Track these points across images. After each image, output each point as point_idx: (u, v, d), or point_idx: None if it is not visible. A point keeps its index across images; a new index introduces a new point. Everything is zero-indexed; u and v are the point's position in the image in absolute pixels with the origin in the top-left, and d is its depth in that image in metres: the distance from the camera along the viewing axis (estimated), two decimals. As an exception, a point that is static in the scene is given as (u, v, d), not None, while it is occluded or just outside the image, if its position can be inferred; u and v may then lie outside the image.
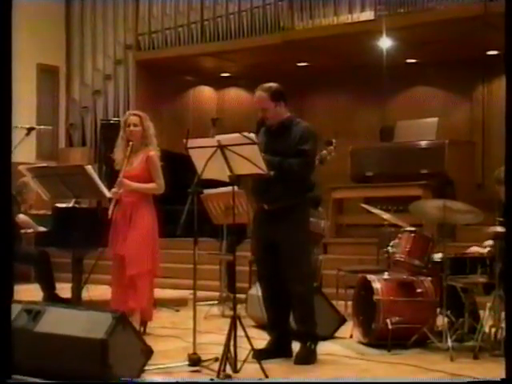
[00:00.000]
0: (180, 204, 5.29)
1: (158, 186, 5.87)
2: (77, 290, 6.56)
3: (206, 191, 5.40)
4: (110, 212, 5.76)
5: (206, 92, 13.24)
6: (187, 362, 4.92)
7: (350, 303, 6.47)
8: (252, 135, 4.73)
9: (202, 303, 7.22)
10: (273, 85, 5.20)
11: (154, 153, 5.87)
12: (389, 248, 5.97)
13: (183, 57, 11.60)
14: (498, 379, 3.86)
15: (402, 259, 5.92)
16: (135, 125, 5.86)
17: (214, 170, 4.85)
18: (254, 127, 5.26)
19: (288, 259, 5.11)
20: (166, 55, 11.73)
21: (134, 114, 5.96)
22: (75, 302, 6.45)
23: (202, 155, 4.83)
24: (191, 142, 4.87)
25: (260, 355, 4.82)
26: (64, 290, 7.35)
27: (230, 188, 4.93)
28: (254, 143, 4.68)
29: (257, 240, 5.39)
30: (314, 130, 5.23)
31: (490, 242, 5.56)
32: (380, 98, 11.80)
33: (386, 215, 6.37)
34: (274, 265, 5.18)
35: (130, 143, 5.81)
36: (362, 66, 11.20)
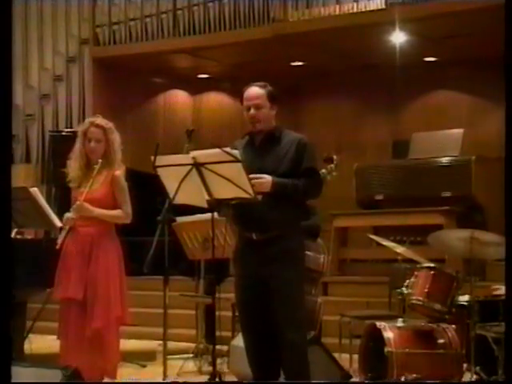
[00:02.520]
0: (147, 235, 5.29)
1: (124, 213, 5.71)
2: (18, 341, 6.52)
3: (180, 219, 5.42)
4: (59, 241, 5.64)
5: (180, 97, 13.29)
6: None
7: (355, 356, 6.46)
8: (235, 151, 4.75)
9: (174, 357, 7.19)
10: (268, 84, 5.23)
11: (120, 172, 5.75)
12: (403, 289, 5.99)
13: (152, 54, 11.65)
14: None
15: (420, 302, 5.94)
16: (98, 140, 5.71)
17: (189, 193, 4.86)
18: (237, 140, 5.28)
19: (282, 300, 5.08)
20: (131, 52, 11.77)
21: (97, 126, 5.75)
22: (16, 356, 6.41)
23: (175, 175, 4.84)
24: (161, 160, 4.88)
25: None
26: (3, 340, 7.31)
27: (208, 215, 4.94)
28: (237, 161, 4.70)
29: (240, 278, 5.36)
30: (309, 141, 5.25)
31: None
32: (392, 105, 11.89)
33: (399, 248, 6.38)
34: (262, 309, 5.17)
35: (99, 161, 5.65)
36: (370, 65, 11.29)
